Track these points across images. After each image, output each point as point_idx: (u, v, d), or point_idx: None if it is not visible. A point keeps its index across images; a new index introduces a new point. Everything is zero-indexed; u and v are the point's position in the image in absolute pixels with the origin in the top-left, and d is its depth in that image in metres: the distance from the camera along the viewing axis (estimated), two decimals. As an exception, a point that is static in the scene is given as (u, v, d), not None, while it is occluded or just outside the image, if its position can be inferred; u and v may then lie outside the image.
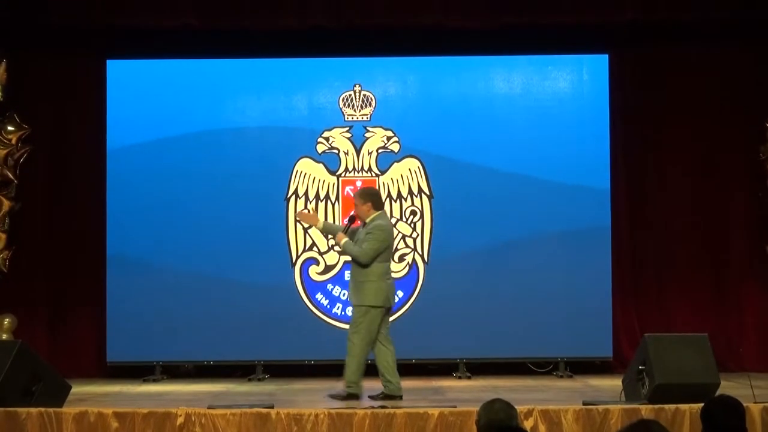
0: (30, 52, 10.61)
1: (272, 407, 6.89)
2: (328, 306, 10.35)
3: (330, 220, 10.21)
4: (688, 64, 10.71)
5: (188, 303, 10.30)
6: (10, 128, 10.41)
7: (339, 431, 6.64)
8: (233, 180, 10.40)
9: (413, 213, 10.46)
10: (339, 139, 10.48)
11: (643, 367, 7.18)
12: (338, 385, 8.08)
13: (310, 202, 10.40)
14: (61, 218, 10.65)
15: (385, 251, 8.07)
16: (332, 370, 8.96)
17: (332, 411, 6.74)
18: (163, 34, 10.44)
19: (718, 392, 6.34)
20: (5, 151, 10.38)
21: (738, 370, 10.04)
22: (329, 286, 10.36)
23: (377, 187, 10.35)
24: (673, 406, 6.63)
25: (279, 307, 10.30)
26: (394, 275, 10.23)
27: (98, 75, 10.59)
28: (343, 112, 10.51)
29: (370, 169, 10.47)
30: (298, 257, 10.40)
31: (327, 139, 10.48)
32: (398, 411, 6.70)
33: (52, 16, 10.11)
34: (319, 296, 10.37)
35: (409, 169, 10.49)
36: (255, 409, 6.81)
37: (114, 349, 10.31)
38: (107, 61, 10.54)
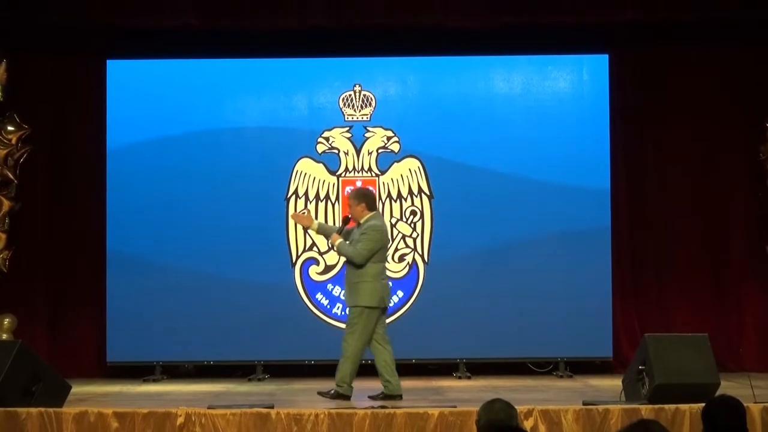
0: (30, 52, 10.61)
1: (272, 407, 6.89)
2: (328, 306, 10.35)
3: (330, 220, 10.21)
4: (688, 64, 10.72)
5: (188, 303, 10.30)
6: (10, 128, 10.42)
7: (339, 431, 6.64)
8: (233, 180, 10.40)
9: (413, 213, 10.46)
10: (339, 139, 10.48)
11: (643, 367, 7.18)
12: (333, 384, 8.08)
13: (310, 202, 10.40)
14: (61, 218, 10.65)
15: (380, 252, 8.07)
16: (332, 370, 8.92)
17: (332, 411, 6.74)
18: (163, 34, 10.44)
19: (718, 392, 6.34)
20: (5, 151, 10.38)
21: (738, 370, 10.04)
22: (329, 286, 10.35)
23: (377, 187, 10.37)
24: (673, 406, 6.63)
25: (279, 307, 10.30)
26: (394, 275, 10.30)
27: (98, 75, 10.59)
28: (343, 112, 10.51)
29: (370, 169, 10.47)
30: (298, 257, 10.40)
31: (327, 139, 10.49)
32: (398, 411, 6.70)
33: (52, 16, 10.12)
34: (319, 296, 10.37)
35: (409, 169, 10.49)
36: (255, 409, 6.81)
37: (114, 349, 10.31)
38: (107, 61, 10.54)
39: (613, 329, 10.36)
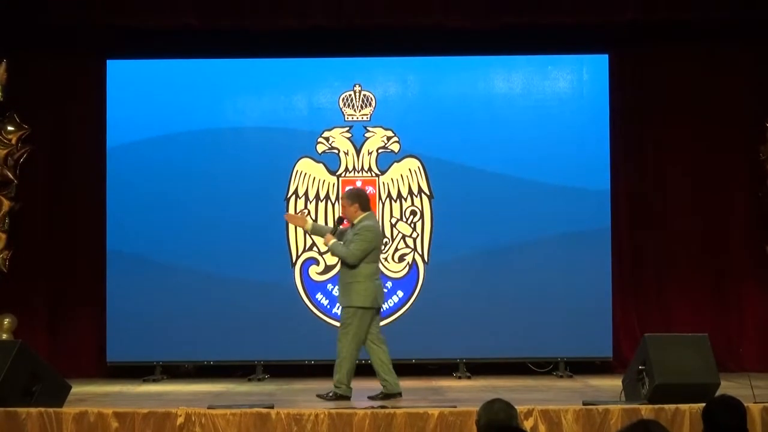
0: (30, 52, 10.61)
1: (272, 407, 6.89)
2: (328, 306, 10.34)
3: (330, 220, 10.21)
4: (688, 65, 10.71)
5: (188, 303, 10.30)
6: (10, 128, 10.41)
7: (339, 431, 6.64)
8: (233, 180, 10.40)
9: (413, 213, 10.46)
10: (339, 139, 10.48)
11: (643, 367, 7.18)
12: (331, 385, 8.09)
13: (310, 202, 10.40)
14: (61, 218, 10.66)
15: (374, 252, 8.08)
16: (332, 370, 8.93)
17: (332, 411, 6.74)
18: (163, 34, 10.44)
19: (718, 392, 6.34)
20: (5, 151, 10.38)
21: (738, 370, 10.04)
22: (329, 286, 10.35)
23: (377, 187, 10.37)
24: (673, 406, 6.63)
25: (279, 307, 10.30)
26: (394, 275, 10.31)
27: (98, 75, 10.59)
28: (343, 112, 10.51)
29: (370, 169, 10.47)
30: (298, 257, 10.40)
31: (327, 139, 10.49)
32: (398, 411, 6.70)
33: (52, 16, 10.12)
34: (319, 296, 10.37)
35: (409, 169, 10.49)
36: (255, 409, 6.81)
37: (114, 349, 10.31)
38: (107, 61, 10.54)
39: (613, 329, 10.36)
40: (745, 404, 4.41)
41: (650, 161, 10.78)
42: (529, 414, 6.62)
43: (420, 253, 10.43)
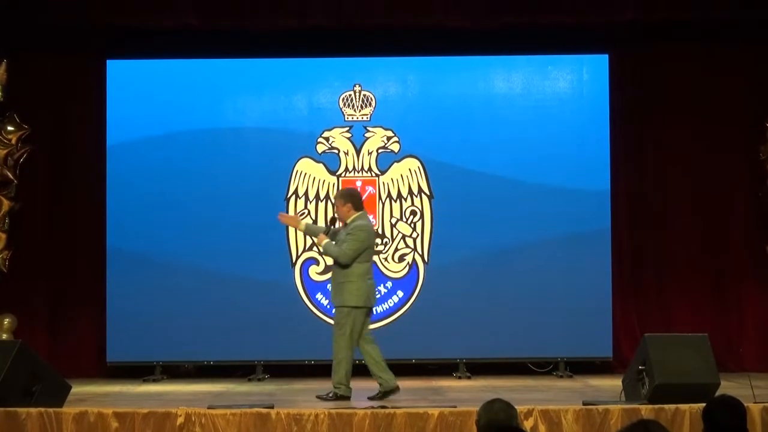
0: (30, 52, 10.60)
1: (272, 407, 6.89)
2: (328, 306, 10.32)
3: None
4: (689, 65, 10.71)
5: (188, 303, 10.30)
6: (10, 128, 10.41)
7: (339, 431, 6.64)
8: (233, 180, 10.40)
9: (413, 213, 10.46)
10: (339, 139, 10.48)
11: (643, 367, 7.18)
12: (331, 386, 8.09)
13: (310, 202, 10.40)
14: (61, 218, 10.66)
15: (366, 252, 8.08)
16: (332, 370, 8.93)
17: (332, 411, 6.74)
18: (163, 34, 10.44)
19: (718, 392, 6.34)
20: (5, 151, 10.38)
21: (738, 370, 10.04)
22: (329, 286, 10.33)
23: (377, 187, 10.38)
24: (673, 406, 6.63)
25: (279, 307, 10.31)
26: (394, 275, 10.32)
27: (98, 75, 10.59)
28: (343, 112, 10.51)
29: (370, 169, 10.47)
30: (298, 257, 10.40)
31: (327, 139, 10.49)
32: (398, 411, 6.70)
33: (52, 16, 10.12)
34: (319, 296, 10.37)
35: (409, 169, 10.49)
36: (255, 409, 6.81)
37: (114, 349, 10.31)
38: (107, 61, 10.55)
39: (613, 329, 10.36)
40: (745, 404, 4.41)
41: (650, 161, 10.78)
42: (529, 414, 6.62)
43: (420, 253, 10.43)
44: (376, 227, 10.36)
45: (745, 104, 10.63)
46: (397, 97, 10.56)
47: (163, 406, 7.19)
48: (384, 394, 7.95)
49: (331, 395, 7.92)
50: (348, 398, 7.92)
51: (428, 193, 10.47)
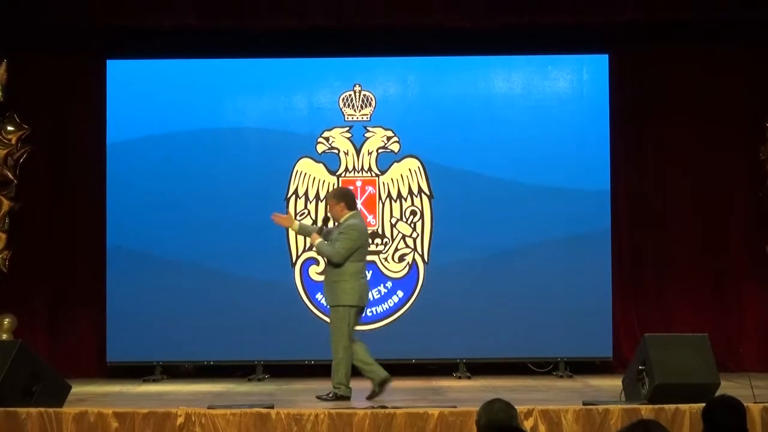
0: (30, 52, 10.61)
1: (272, 407, 6.89)
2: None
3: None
4: (689, 65, 10.72)
5: (188, 303, 10.30)
6: (10, 128, 10.42)
7: (339, 431, 6.64)
8: (234, 180, 10.40)
9: (413, 213, 10.46)
10: (339, 139, 10.48)
11: (643, 367, 7.18)
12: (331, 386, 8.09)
13: (310, 202, 10.40)
14: (61, 218, 10.66)
15: (359, 251, 8.08)
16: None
17: (332, 411, 6.74)
18: (163, 34, 10.44)
19: (718, 392, 6.34)
20: (5, 151, 10.38)
21: (738, 370, 10.04)
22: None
23: (377, 187, 10.38)
24: (673, 406, 6.63)
25: (279, 307, 10.31)
26: (394, 275, 10.32)
27: (98, 75, 10.59)
28: (343, 112, 10.52)
29: (370, 169, 10.47)
30: (298, 257, 10.40)
31: (327, 139, 10.49)
32: (398, 411, 6.70)
33: (52, 16, 10.12)
34: (319, 296, 10.35)
35: (409, 169, 10.49)
36: (255, 409, 6.80)
37: (114, 349, 10.31)
38: (107, 61, 10.55)
39: (613, 329, 10.36)
40: (745, 404, 4.41)
41: (650, 161, 10.78)
42: (529, 414, 6.62)
43: (420, 253, 10.43)
44: (376, 227, 10.37)
45: (745, 104, 10.63)
46: (397, 97, 10.56)
47: (163, 406, 7.19)
48: (380, 384, 7.94)
49: (331, 395, 7.92)
50: (348, 398, 7.92)
51: (428, 193, 10.47)
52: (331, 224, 8.31)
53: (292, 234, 10.37)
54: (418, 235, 10.44)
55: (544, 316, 10.24)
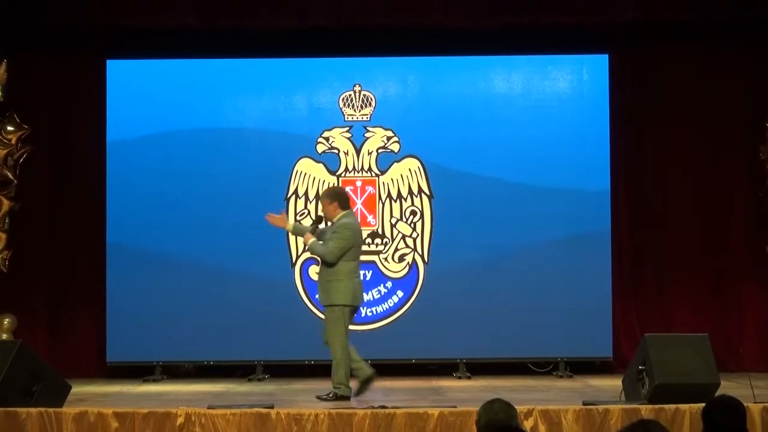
0: (30, 52, 10.61)
1: (272, 407, 6.89)
2: (328, 306, 10.33)
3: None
4: (689, 65, 10.72)
5: (188, 303, 10.30)
6: (10, 128, 10.42)
7: (339, 431, 6.64)
8: (234, 180, 10.40)
9: (413, 213, 10.46)
10: (339, 139, 10.48)
11: (643, 367, 7.18)
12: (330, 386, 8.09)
13: (310, 202, 10.40)
14: (61, 218, 10.66)
15: (352, 250, 8.08)
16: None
17: (332, 411, 6.74)
18: (163, 34, 10.44)
19: (718, 392, 6.34)
20: (5, 151, 10.38)
21: (738, 370, 10.04)
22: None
23: (377, 187, 10.38)
24: (673, 406, 6.63)
25: (279, 307, 10.31)
26: (394, 275, 10.32)
27: (98, 75, 10.59)
28: (343, 112, 10.52)
29: (370, 169, 10.47)
30: (298, 257, 10.40)
31: (327, 139, 10.49)
32: (398, 411, 6.70)
33: (52, 16, 10.12)
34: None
35: (409, 169, 10.49)
36: (255, 409, 6.80)
37: (114, 349, 10.31)
38: (107, 61, 10.55)
39: (613, 329, 10.36)
40: (745, 404, 4.41)
41: (650, 161, 10.78)
42: (529, 414, 6.62)
43: (420, 253, 10.43)
44: (376, 227, 10.37)
45: (745, 104, 10.63)
46: (397, 97, 10.56)
47: (163, 406, 7.19)
48: (365, 381, 7.94)
49: (331, 395, 7.92)
50: (348, 398, 7.92)
51: (428, 193, 10.47)
52: (325, 224, 8.31)
53: (291, 234, 10.37)
54: (418, 235, 10.44)
55: (544, 316, 10.24)
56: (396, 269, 10.39)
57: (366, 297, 10.30)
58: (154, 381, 10.07)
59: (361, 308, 10.18)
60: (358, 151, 10.48)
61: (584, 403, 6.91)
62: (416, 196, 10.47)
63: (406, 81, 10.60)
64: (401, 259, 10.42)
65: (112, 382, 10.01)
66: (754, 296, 10.62)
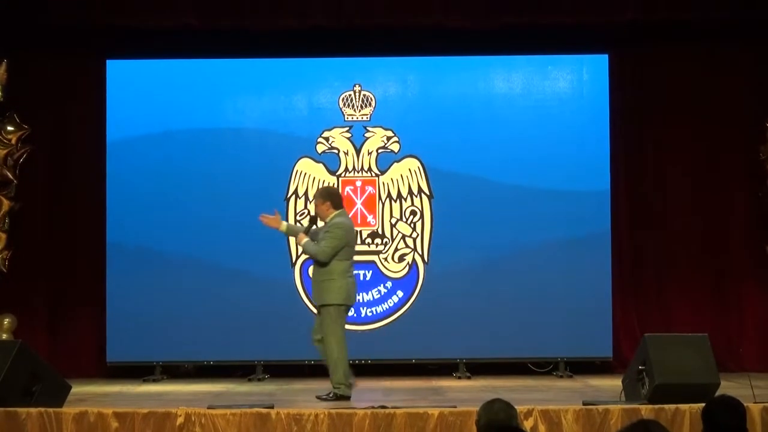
0: (30, 52, 10.61)
1: (272, 407, 6.89)
2: (328, 306, 10.33)
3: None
4: (689, 65, 10.72)
5: (188, 303, 10.30)
6: (10, 128, 10.42)
7: (339, 431, 6.64)
8: (233, 180, 10.40)
9: (413, 213, 10.46)
10: (339, 139, 10.48)
11: (643, 367, 7.18)
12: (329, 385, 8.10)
13: (310, 202, 10.39)
14: (61, 218, 10.66)
15: (346, 249, 8.09)
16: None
17: (332, 411, 6.74)
18: (163, 34, 10.44)
19: (718, 392, 6.34)
20: (5, 151, 10.38)
21: (738, 370, 10.04)
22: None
23: (377, 187, 10.38)
24: (673, 406, 6.63)
25: (279, 306, 10.31)
26: (394, 275, 10.32)
27: (98, 75, 10.59)
28: (343, 112, 10.52)
29: (369, 169, 10.47)
30: (298, 257, 10.40)
31: (327, 139, 10.49)
32: (398, 411, 6.70)
33: (52, 16, 10.12)
34: (319, 296, 10.36)
35: (409, 169, 10.49)
36: (255, 409, 6.81)
37: (114, 349, 10.31)
38: (107, 61, 10.55)
39: (613, 329, 10.36)
40: (745, 404, 4.41)
41: (650, 161, 10.78)
42: (529, 414, 6.62)
43: (420, 253, 10.43)
44: (375, 227, 10.38)
45: (745, 104, 10.63)
46: (397, 97, 10.56)
47: (163, 406, 7.19)
48: (336, 396, 7.94)
49: (331, 395, 7.92)
50: (348, 398, 7.92)
51: (428, 193, 10.47)
52: (317, 225, 8.32)
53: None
54: (418, 235, 10.44)
55: (544, 316, 10.24)
56: (396, 269, 10.39)
57: (366, 297, 10.32)
58: (154, 381, 10.07)
59: (361, 308, 10.25)
60: (358, 151, 10.48)
61: (584, 403, 6.91)
62: (416, 196, 10.47)
63: (406, 81, 10.60)
64: (401, 259, 10.42)
65: (112, 382, 10.01)
66: (754, 296, 10.62)
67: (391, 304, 10.39)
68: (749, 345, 10.46)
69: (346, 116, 10.51)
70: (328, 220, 8.14)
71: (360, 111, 10.49)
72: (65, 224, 10.66)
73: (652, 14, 10.14)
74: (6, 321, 10.23)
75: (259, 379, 10.05)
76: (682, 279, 10.65)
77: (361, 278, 10.26)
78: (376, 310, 10.37)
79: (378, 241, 10.37)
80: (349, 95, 10.52)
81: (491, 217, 10.36)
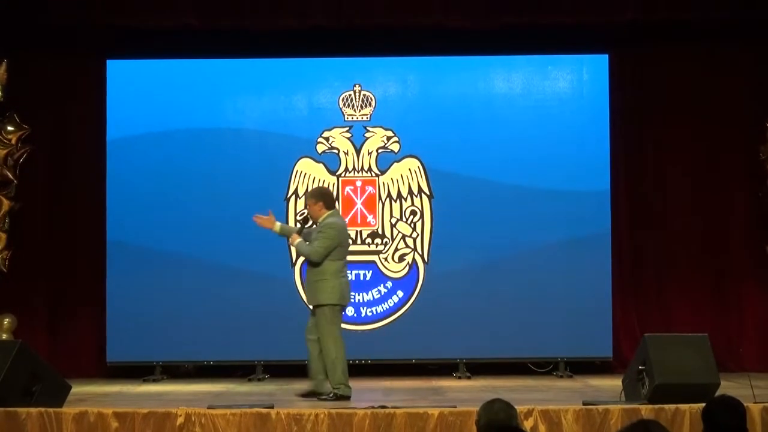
0: (30, 52, 10.61)
1: (272, 407, 6.89)
2: (328, 306, 10.32)
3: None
4: (689, 65, 10.72)
5: (188, 302, 10.30)
6: (10, 128, 10.42)
7: (339, 431, 6.64)
8: (233, 180, 10.40)
9: (413, 213, 10.46)
10: (339, 139, 10.48)
11: (643, 367, 7.18)
12: (328, 386, 8.09)
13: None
14: (61, 218, 10.66)
15: (339, 249, 8.09)
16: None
17: (332, 411, 6.74)
18: (163, 34, 10.44)
19: (718, 392, 6.34)
20: (5, 151, 10.38)
21: (738, 370, 10.04)
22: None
23: (377, 187, 10.38)
24: (673, 406, 6.63)
25: (279, 306, 10.30)
26: (394, 275, 10.32)
27: (98, 75, 10.59)
28: (343, 112, 10.51)
29: (370, 169, 10.47)
30: (297, 257, 10.39)
31: (327, 139, 10.49)
32: (398, 411, 6.70)
33: (52, 16, 10.12)
34: (319, 296, 10.35)
35: (409, 169, 10.49)
36: (255, 409, 6.81)
37: (114, 349, 10.31)
38: (107, 61, 10.55)
39: (613, 329, 10.36)
40: (745, 404, 4.41)
41: (650, 161, 10.78)
42: (529, 414, 6.62)
43: (420, 253, 10.43)
44: (376, 227, 10.38)
45: (745, 104, 10.63)
46: (397, 97, 10.56)
47: (163, 406, 7.19)
48: (314, 392, 7.94)
49: (331, 395, 7.92)
50: (348, 398, 7.92)
51: (428, 193, 10.47)
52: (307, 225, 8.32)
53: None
54: (418, 235, 10.44)
55: (544, 316, 10.24)
56: (396, 269, 10.39)
57: (366, 297, 10.32)
58: (154, 381, 10.07)
59: (361, 308, 10.25)
60: (358, 151, 10.48)
61: (584, 403, 6.91)
62: (416, 196, 10.47)
63: (406, 81, 10.60)
64: (401, 259, 10.42)
65: (112, 382, 10.01)
66: (754, 296, 10.63)
67: (391, 304, 10.39)
68: (749, 345, 10.46)
69: (346, 116, 10.51)
70: (320, 220, 8.14)
71: (360, 111, 10.49)
72: (65, 224, 10.66)
73: (652, 14, 10.14)
74: (6, 321, 10.23)
75: (259, 379, 10.05)
76: (682, 279, 10.65)
77: (361, 278, 10.28)
78: (376, 310, 10.37)
79: (378, 241, 10.38)
80: (349, 95, 10.52)
81: (491, 217, 10.36)
